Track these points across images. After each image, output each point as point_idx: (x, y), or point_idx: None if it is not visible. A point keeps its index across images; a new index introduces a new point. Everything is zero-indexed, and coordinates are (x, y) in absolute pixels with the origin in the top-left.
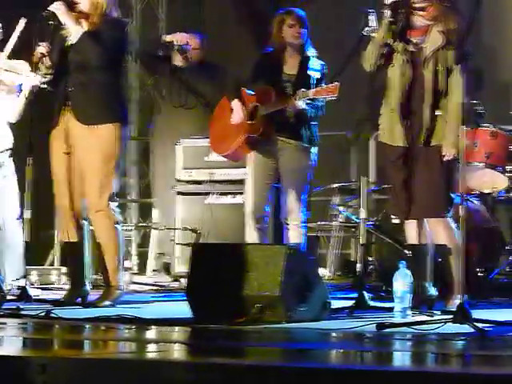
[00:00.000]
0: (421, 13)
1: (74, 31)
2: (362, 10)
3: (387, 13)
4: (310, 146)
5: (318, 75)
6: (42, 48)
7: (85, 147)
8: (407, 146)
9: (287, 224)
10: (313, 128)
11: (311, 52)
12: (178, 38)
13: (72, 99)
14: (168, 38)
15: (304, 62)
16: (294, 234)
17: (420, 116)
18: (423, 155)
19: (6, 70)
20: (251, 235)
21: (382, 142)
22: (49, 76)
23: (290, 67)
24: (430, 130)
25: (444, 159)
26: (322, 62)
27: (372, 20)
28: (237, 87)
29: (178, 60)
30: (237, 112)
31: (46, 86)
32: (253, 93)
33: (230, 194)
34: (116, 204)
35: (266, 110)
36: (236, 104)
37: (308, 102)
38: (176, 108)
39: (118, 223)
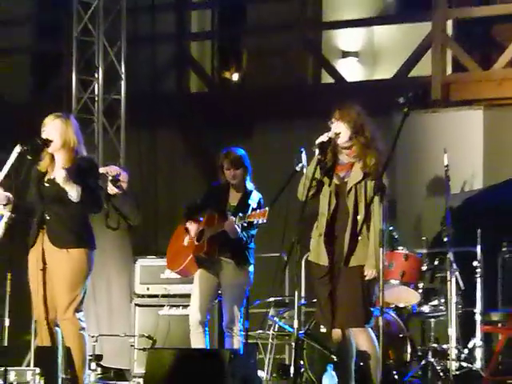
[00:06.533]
0: (346, 151)
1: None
2: (298, 149)
3: (316, 151)
4: (247, 265)
5: (254, 205)
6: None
7: (57, 266)
8: (331, 266)
9: (228, 332)
10: (249, 250)
11: (250, 186)
12: (111, 170)
13: (48, 225)
14: (102, 169)
15: (244, 197)
16: (234, 341)
17: (342, 240)
18: (344, 274)
19: None
20: (195, 339)
21: (310, 260)
22: (13, 213)
23: (233, 199)
24: (349, 252)
25: (365, 278)
26: (260, 195)
27: (303, 157)
28: (189, 215)
29: (110, 189)
30: (193, 227)
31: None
32: (201, 219)
33: (181, 306)
34: (82, 313)
35: (210, 232)
36: (190, 224)
37: (245, 225)
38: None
39: (82, 329)
